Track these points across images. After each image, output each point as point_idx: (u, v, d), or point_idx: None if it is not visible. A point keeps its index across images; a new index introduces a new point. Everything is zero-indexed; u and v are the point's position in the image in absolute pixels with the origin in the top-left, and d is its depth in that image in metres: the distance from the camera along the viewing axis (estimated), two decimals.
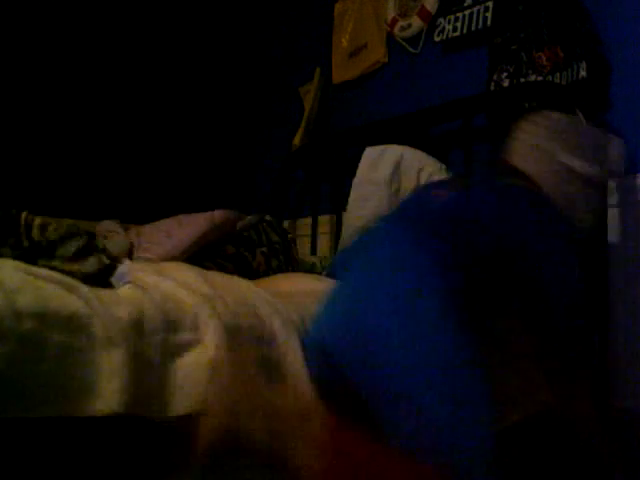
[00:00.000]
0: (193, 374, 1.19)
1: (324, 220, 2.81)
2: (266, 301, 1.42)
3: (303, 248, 2.74)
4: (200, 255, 1.95)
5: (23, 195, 2.23)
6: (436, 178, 2.10)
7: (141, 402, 1.13)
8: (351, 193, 2.20)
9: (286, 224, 2.91)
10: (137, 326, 1.17)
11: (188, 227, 2.04)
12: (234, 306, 1.34)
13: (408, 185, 2.12)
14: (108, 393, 1.08)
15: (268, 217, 2.22)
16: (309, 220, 2.88)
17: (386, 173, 2.14)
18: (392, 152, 2.21)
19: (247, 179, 3.45)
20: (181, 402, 1.17)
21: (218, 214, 2.08)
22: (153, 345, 1.17)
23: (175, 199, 2.95)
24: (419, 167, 2.13)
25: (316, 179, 2.91)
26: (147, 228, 2.18)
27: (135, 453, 1.19)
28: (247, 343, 1.30)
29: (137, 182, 3.09)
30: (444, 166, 2.15)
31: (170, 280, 1.33)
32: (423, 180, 2.11)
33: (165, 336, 1.20)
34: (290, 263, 2.14)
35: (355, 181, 2.20)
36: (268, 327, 1.36)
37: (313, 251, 2.78)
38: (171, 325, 1.22)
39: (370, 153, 2.25)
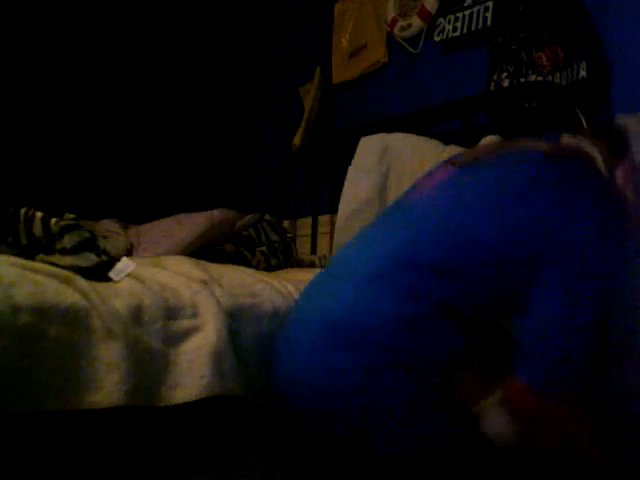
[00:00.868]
0: (196, 360, 1.19)
1: (324, 220, 2.81)
2: (262, 280, 1.43)
3: (303, 248, 2.74)
4: (199, 254, 1.95)
5: (22, 194, 2.23)
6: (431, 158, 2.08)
7: (143, 392, 1.13)
8: (345, 182, 2.28)
9: (286, 224, 2.91)
10: (136, 316, 1.17)
11: (187, 226, 2.04)
12: (232, 289, 1.35)
13: (399, 166, 2.19)
14: (108, 385, 1.08)
15: (267, 216, 2.22)
16: (309, 220, 2.88)
17: (374, 158, 2.23)
18: (380, 138, 2.30)
19: (247, 179, 3.45)
20: (185, 389, 1.17)
21: (217, 213, 2.08)
22: (153, 334, 1.17)
23: (174, 199, 2.95)
24: (412, 148, 2.18)
25: (316, 179, 2.91)
26: (146, 227, 2.18)
27: (139, 443, 1.19)
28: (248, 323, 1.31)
29: (137, 182, 3.09)
30: (444, 147, 2.17)
31: (167, 271, 1.33)
32: (417, 160, 2.15)
33: (165, 324, 1.20)
34: (289, 262, 2.13)
35: (349, 168, 2.29)
36: (269, 304, 1.36)
37: (313, 250, 2.78)
38: (170, 313, 1.22)
39: (363, 142, 2.34)
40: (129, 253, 1.97)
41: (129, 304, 1.18)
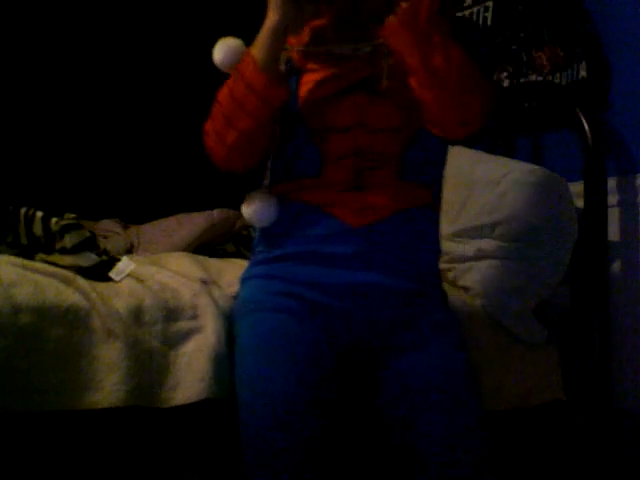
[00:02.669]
0: (195, 362, 1.19)
1: None
2: None
3: None
4: (200, 253, 1.95)
5: (22, 194, 2.23)
6: None
7: (143, 393, 1.14)
8: None
9: None
10: (136, 317, 1.17)
11: (188, 226, 2.04)
12: (230, 288, 1.34)
13: None
14: (108, 385, 1.09)
15: None
16: None
17: None
18: None
19: (247, 179, 3.44)
20: (185, 391, 1.17)
21: (217, 213, 2.08)
22: (153, 334, 1.18)
23: (174, 198, 2.94)
24: None
25: None
26: (147, 227, 2.18)
27: (139, 444, 1.19)
28: None
29: (137, 182, 3.08)
30: None
31: (166, 270, 1.33)
32: None
33: (165, 325, 1.20)
34: None
35: None
36: None
37: None
38: (170, 314, 1.23)
39: None
40: (129, 253, 1.97)
41: (129, 304, 1.18)
